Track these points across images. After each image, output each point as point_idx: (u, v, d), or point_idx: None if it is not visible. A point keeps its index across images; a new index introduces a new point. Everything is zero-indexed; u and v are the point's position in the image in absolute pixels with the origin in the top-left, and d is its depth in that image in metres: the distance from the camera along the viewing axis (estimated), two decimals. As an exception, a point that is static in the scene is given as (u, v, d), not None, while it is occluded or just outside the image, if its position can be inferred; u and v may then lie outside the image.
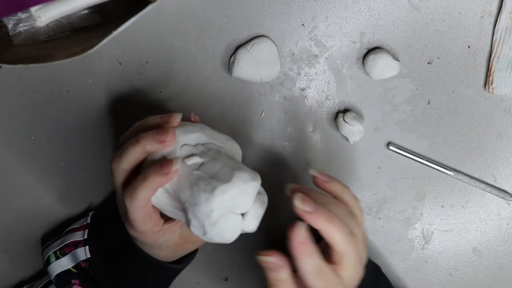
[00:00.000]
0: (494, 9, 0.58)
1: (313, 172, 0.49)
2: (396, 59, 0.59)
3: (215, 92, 0.60)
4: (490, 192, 0.61)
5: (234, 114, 0.61)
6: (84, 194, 0.63)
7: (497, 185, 0.61)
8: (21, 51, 0.50)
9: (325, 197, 0.48)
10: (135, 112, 0.61)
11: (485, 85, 0.59)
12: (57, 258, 0.56)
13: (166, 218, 0.51)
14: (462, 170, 0.61)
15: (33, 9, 0.50)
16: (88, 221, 0.57)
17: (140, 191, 0.45)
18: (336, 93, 0.60)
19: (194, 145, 0.49)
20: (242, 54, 0.58)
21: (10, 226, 0.63)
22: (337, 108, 0.61)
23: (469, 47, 0.59)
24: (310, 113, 0.61)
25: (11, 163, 0.62)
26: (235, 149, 0.52)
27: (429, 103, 0.60)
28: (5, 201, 0.63)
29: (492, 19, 0.58)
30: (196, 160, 0.47)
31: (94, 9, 0.53)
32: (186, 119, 0.52)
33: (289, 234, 0.44)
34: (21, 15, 0.50)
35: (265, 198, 0.48)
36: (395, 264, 0.63)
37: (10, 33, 0.51)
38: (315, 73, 0.60)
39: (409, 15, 0.59)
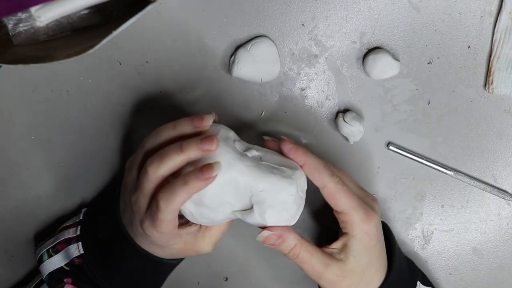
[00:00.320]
0: (494, 9, 0.58)
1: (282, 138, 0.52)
2: (396, 59, 0.59)
3: (215, 92, 0.60)
4: (490, 192, 0.61)
5: (234, 114, 0.61)
6: (84, 194, 0.63)
7: (497, 185, 0.61)
8: (21, 51, 0.50)
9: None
10: (135, 112, 0.61)
11: (485, 85, 0.59)
12: (50, 256, 0.56)
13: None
14: (462, 170, 0.61)
15: (33, 9, 0.50)
16: (81, 217, 0.57)
17: (179, 195, 0.45)
18: (336, 93, 0.60)
19: (233, 141, 0.50)
20: (242, 54, 0.58)
21: (10, 226, 0.63)
22: (337, 108, 0.61)
23: (469, 47, 0.59)
24: (310, 113, 0.61)
25: (11, 163, 0.62)
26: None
27: (429, 103, 0.60)
28: (5, 201, 0.63)
29: (492, 19, 0.58)
30: (255, 152, 0.49)
31: (94, 9, 0.53)
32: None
33: (281, 147, 0.49)
34: (21, 15, 0.50)
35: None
36: (395, 264, 0.63)
37: (10, 33, 0.51)
38: (315, 73, 0.60)
39: (409, 15, 0.59)
